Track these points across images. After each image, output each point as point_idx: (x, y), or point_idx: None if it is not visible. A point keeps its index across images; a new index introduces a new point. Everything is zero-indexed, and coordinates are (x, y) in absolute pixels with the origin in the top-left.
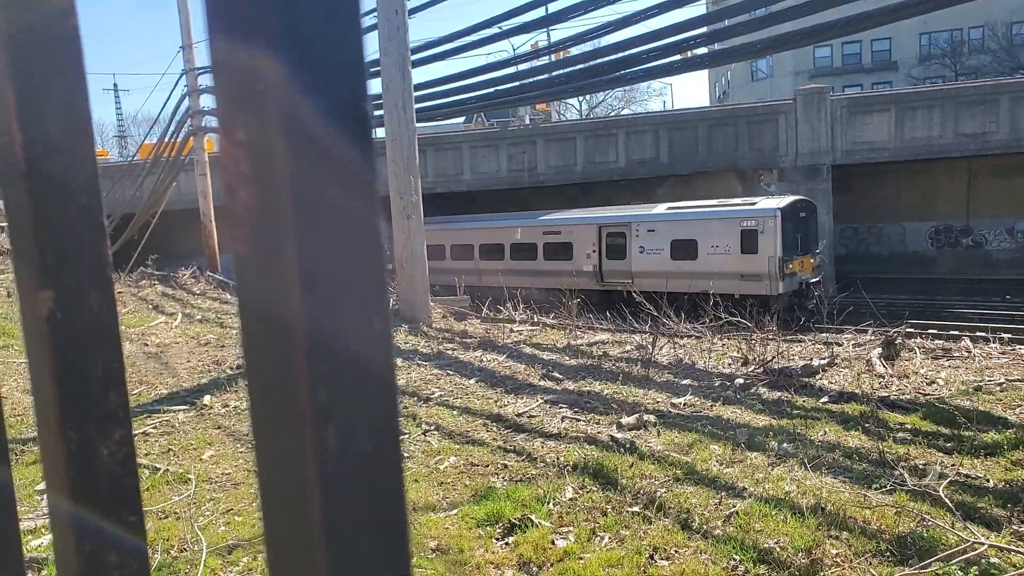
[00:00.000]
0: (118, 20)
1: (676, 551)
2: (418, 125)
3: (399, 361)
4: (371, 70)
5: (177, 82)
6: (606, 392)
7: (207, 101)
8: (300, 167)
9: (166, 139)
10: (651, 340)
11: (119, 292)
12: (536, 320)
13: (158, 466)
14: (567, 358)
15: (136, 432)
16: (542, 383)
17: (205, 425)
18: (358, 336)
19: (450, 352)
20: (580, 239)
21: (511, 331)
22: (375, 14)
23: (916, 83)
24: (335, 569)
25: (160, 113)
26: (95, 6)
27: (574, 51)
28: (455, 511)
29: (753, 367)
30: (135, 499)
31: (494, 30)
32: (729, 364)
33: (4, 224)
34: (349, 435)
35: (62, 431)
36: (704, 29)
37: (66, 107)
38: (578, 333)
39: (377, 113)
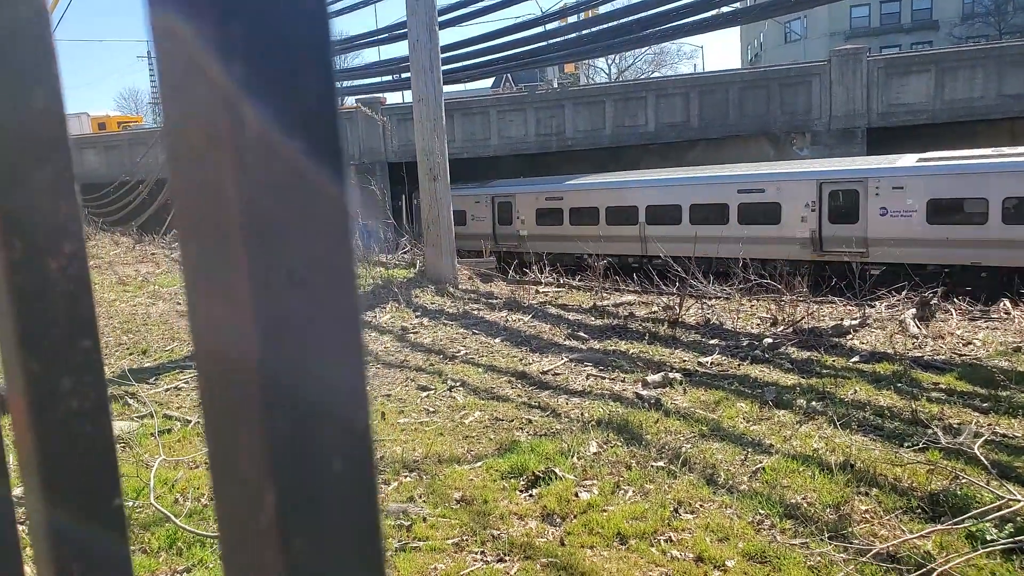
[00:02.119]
0: None
1: (701, 505)
2: (445, 88)
3: (425, 320)
4: (400, 31)
5: None
6: (632, 351)
7: None
8: (254, 191)
9: None
10: (678, 300)
11: (152, 253)
12: (562, 282)
13: (188, 418)
14: (593, 319)
15: (169, 387)
16: (567, 342)
17: None
18: (328, 390)
19: (476, 312)
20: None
21: (537, 292)
22: None
23: (958, 42)
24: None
25: None
26: None
27: (602, 9)
28: (480, 463)
29: (782, 327)
30: (109, 460)
31: None
32: (758, 324)
33: None
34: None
35: (26, 375)
36: None
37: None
38: (604, 294)
39: (405, 76)
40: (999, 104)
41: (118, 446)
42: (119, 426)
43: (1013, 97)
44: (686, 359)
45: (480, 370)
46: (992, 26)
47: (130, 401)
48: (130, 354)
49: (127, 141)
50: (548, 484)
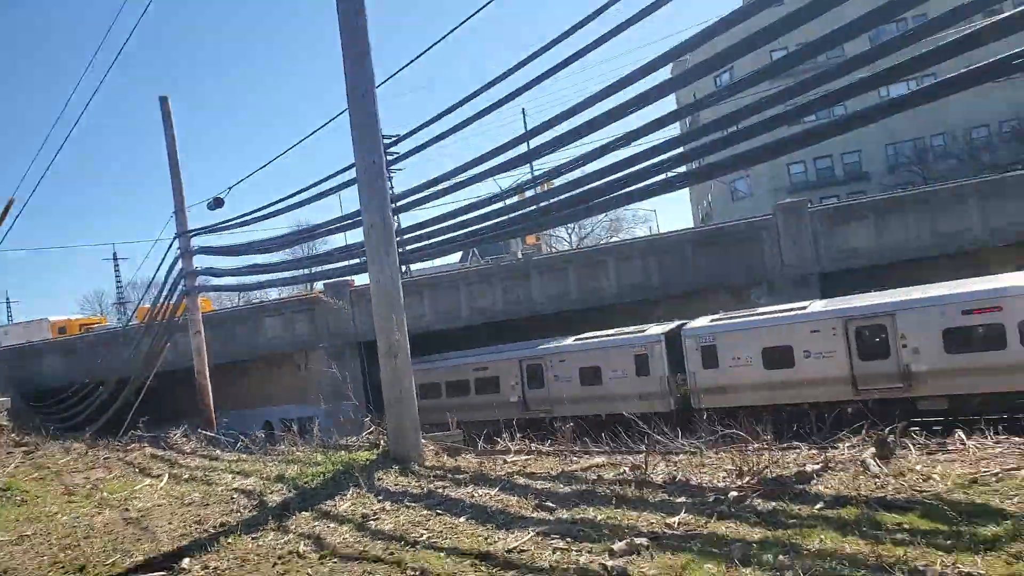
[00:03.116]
0: (117, 191)
1: None
2: (414, 266)
3: (387, 504)
4: (356, 219)
5: (171, 245)
6: (599, 518)
7: (200, 261)
8: None
9: (160, 301)
10: (644, 459)
11: (106, 458)
12: (532, 448)
13: None
14: (561, 485)
15: None
16: (534, 514)
17: None
18: None
19: (441, 490)
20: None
21: (505, 462)
22: (353, 167)
23: (888, 191)
24: None
25: (154, 276)
26: (94, 182)
27: (557, 182)
28: None
29: (747, 478)
30: None
31: (476, 170)
32: (724, 477)
33: None
34: None
35: None
36: (680, 149)
37: None
38: (572, 459)
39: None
40: (934, 243)
41: None
42: None
43: (945, 235)
44: (653, 521)
45: (442, 555)
46: (916, 174)
47: None
48: (65, 572)
49: (87, 344)
50: None
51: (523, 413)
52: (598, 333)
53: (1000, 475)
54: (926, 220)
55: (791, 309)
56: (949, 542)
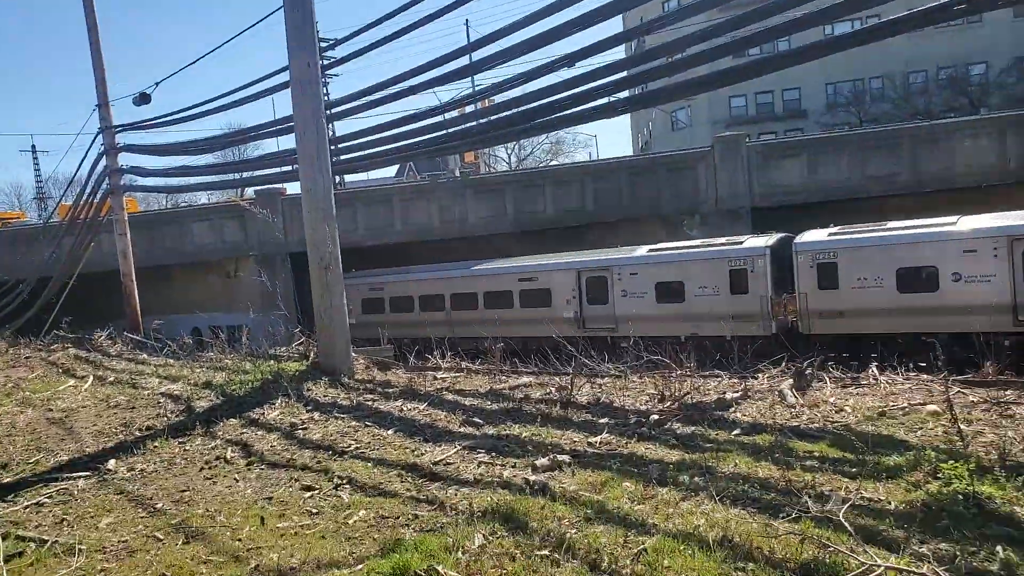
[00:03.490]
0: (35, 80)
1: None
2: (349, 178)
3: (316, 415)
4: (289, 124)
5: (94, 141)
6: (524, 435)
7: (126, 159)
8: None
9: (83, 199)
10: (570, 380)
11: (27, 357)
12: (463, 366)
13: (45, 538)
14: (489, 403)
15: (29, 503)
16: (461, 429)
17: (107, 492)
18: None
19: (370, 403)
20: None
21: (434, 379)
22: (287, 69)
23: (824, 130)
24: None
25: (76, 172)
26: (10, 65)
27: (498, 99)
28: (360, 566)
29: (669, 403)
30: None
31: (415, 80)
32: (646, 401)
33: None
34: None
35: None
36: (623, 74)
37: None
38: (502, 377)
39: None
40: (864, 184)
41: None
42: None
43: (876, 178)
44: (576, 440)
45: (370, 465)
46: (853, 115)
47: None
48: None
49: (7, 239)
50: None
51: (579, 331)
52: (679, 244)
53: (907, 409)
54: (858, 162)
55: (936, 224)
56: (855, 470)
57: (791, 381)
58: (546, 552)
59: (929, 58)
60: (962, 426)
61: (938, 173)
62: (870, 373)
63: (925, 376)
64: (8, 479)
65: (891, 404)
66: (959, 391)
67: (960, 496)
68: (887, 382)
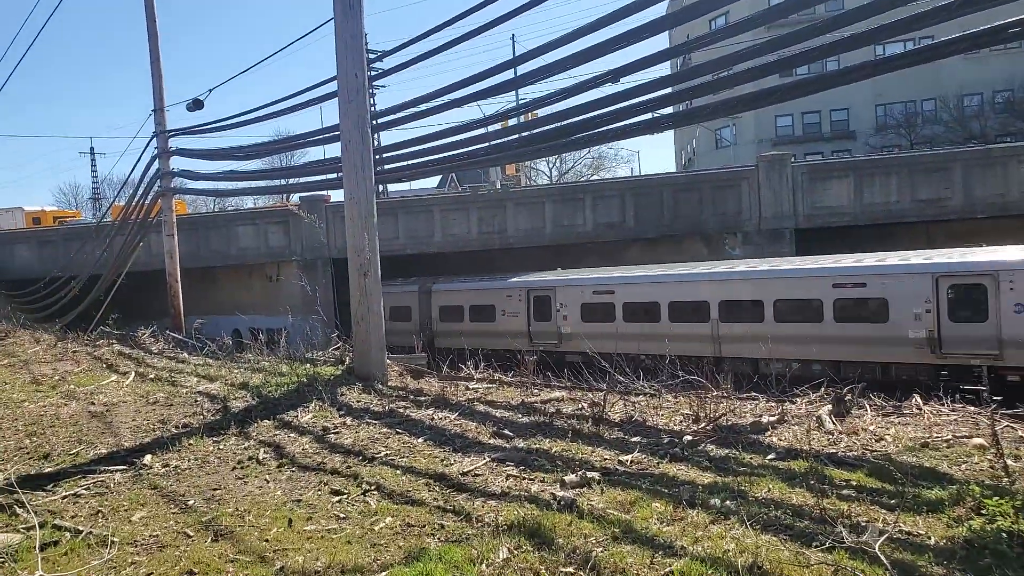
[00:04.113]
0: (95, 83)
1: None
2: (391, 187)
3: (348, 420)
4: (335, 133)
5: (148, 144)
6: (554, 450)
7: (177, 163)
8: None
9: (135, 200)
10: (603, 397)
11: (74, 351)
12: (495, 378)
13: (80, 528)
14: (520, 416)
15: (67, 494)
16: (491, 441)
17: (141, 486)
18: None
19: (402, 410)
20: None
21: (467, 389)
22: (335, 79)
23: (873, 151)
24: None
25: (130, 174)
26: (72, 68)
27: (540, 112)
28: (384, 573)
29: (703, 424)
30: None
31: (460, 93)
32: (680, 421)
33: None
34: None
35: None
36: (668, 90)
37: None
38: (534, 391)
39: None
40: (913, 208)
41: None
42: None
43: (926, 202)
44: (607, 457)
45: (398, 472)
46: (903, 136)
47: (19, 511)
48: (30, 458)
49: (62, 236)
50: None
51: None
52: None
53: (951, 441)
54: (907, 185)
55: None
56: (893, 501)
57: (829, 407)
58: (571, 569)
59: (985, 81)
60: (1009, 461)
61: (991, 199)
62: (913, 403)
63: (971, 408)
64: (49, 469)
65: (934, 435)
66: (1007, 424)
67: (1004, 534)
68: (931, 412)
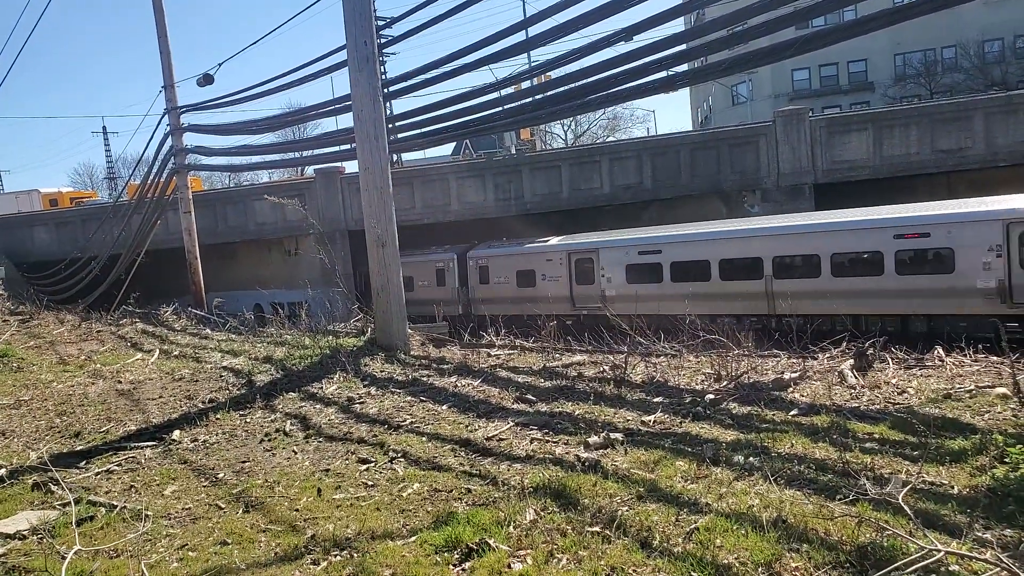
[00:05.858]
0: (104, 63)
1: (634, 570)
2: (405, 156)
3: (372, 390)
4: (347, 103)
5: (160, 121)
6: (577, 412)
7: (190, 139)
8: None
9: (150, 178)
10: (625, 359)
11: (99, 331)
12: (516, 344)
13: (115, 503)
14: (542, 380)
15: (100, 470)
16: (515, 406)
17: (171, 461)
18: None
19: (425, 379)
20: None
21: (489, 356)
22: (345, 48)
23: (892, 102)
24: None
25: (144, 153)
26: (82, 50)
27: (554, 74)
28: (414, 538)
29: (725, 383)
30: None
31: (471, 58)
32: (702, 380)
33: None
34: None
35: None
36: (683, 46)
37: None
38: (555, 355)
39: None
40: (934, 159)
41: (33, 539)
42: (34, 516)
43: (946, 152)
44: (630, 418)
45: (424, 439)
46: (923, 86)
47: (53, 488)
48: (61, 437)
49: (79, 217)
50: (481, 556)
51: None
52: None
53: (974, 392)
54: (927, 135)
55: None
56: (916, 453)
57: (852, 362)
58: (597, 529)
59: (1006, 25)
60: None
61: (1013, 147)
62: (936, 354)
63: (994, 358)
64: (81, 447)
65: (957, 386)
66: None
67: None
68: (954, 363)
